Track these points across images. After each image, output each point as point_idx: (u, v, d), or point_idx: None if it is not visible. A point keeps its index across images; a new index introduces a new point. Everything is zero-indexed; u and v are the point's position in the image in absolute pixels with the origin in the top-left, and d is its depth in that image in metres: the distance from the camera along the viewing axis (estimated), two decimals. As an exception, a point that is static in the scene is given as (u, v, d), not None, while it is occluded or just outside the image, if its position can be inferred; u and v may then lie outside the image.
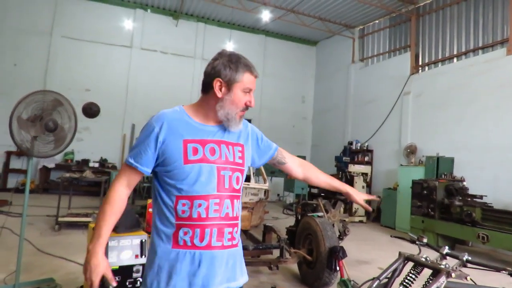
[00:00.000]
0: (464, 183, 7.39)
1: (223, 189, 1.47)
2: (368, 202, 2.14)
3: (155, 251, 1.46)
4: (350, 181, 9.89)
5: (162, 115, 1.49)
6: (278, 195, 13.11)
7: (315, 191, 11.65)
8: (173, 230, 1.43)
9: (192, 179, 1.43)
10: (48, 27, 11.37)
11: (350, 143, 11.85)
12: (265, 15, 11.19)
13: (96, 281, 1.39)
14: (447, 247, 1.94)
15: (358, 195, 1.88)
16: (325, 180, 1.88)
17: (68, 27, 11.57)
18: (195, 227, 1.42)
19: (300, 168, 1.86)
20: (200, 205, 1.42)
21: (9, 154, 10.56)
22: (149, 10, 12.50)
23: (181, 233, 1.42)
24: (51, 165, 10.70)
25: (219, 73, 1.47)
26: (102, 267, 1.40)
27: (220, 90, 1.48)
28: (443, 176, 7.97)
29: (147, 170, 1.46)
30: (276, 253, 4.61)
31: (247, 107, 1.53)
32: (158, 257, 1.44)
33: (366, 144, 11.41)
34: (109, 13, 12.03)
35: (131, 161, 1.46)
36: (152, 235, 1.51)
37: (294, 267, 4.70)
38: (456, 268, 1.79)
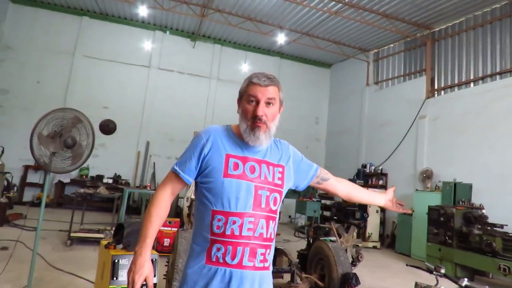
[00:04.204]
0: (483, 211, 7.14)
1: (259, 208, 1.47)
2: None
3: (191, 265, 1.46)
4: (363, 205, 9.70)
5: (210, 128, 1.57)
6: (290, 216, 12.92)
7: (327, 214, 11.47)
8: (207, 245, 1.44)
9: (229, 194, 1.44)
10: (71, 47, 11.86)
11: (364, 166, 11.70)
12: (281, 38, 11.39)
13: (139, 283, 1.38)
14: (466, 279, 1.87)
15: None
16: (365, 197, 1.89)
17: (90, 47, 12.04)
18: (228, 244, 1.41)
19: (342, 184, 1.85)
20: (234, 222, 1.42)
21: (26, 168, 10.82)
22: (168, 32, 12.92)
23: (214, 249, 1.42)
24: (66, 180, 10.89)
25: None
26: (146, 269, 1.40)
27: (240, 107, 1.58)
28: (460, 203, 7.73)
29: (189, 179, 1.51)
30: (286, 277, 4.50)
31: (256, 117, 1.49)
32: (193, 272, 1.44)
33: (380, 167, 11.23)
34: (129, 34, 12.49)
35: (176, 168, 1.52)
36: (190, 249, 1.53)
37: (305, 292, 4.57)
38: (476, 302, 1.71)
